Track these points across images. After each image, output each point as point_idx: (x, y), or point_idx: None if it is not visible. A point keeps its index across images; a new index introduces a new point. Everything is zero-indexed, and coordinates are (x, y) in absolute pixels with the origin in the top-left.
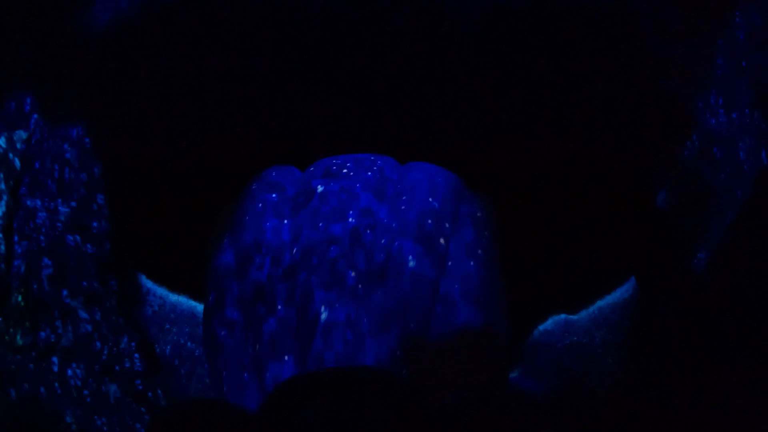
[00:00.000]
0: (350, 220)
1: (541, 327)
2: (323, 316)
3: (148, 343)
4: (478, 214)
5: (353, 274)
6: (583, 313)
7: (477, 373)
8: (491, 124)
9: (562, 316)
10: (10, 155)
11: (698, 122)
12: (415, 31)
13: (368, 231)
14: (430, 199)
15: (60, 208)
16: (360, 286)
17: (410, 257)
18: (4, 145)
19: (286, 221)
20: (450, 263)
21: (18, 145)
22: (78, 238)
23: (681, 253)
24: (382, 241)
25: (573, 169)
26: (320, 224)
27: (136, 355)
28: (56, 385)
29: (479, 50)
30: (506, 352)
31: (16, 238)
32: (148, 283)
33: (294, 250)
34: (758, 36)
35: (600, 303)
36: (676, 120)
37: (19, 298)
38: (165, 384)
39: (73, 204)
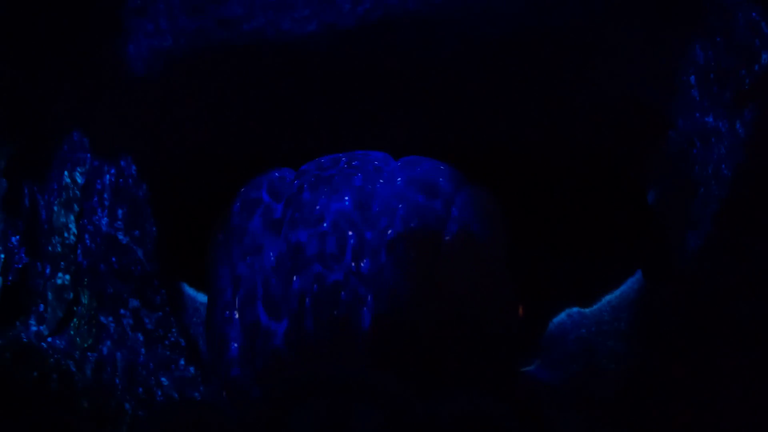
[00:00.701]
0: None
1: (556, 320)
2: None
3: (191, 342)
4: (483, 195)
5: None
6: (595, 305)
7: (485, 358)
8: (492, 127)
9: (575, 308)
10: (79, 184)
11: (676, 123)
12: (415, 48)
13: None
14: (429, 173)
15: (116, 224)
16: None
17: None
18: (79, 179)
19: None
20: (456, 212)
21: (80, 176)
22: (137, 251)
23: (674, 245)
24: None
25: (570, 168)
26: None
27: (183, 347)
28: (112, 372)
29: (480, 64)
30: (515, 338)
31: (80, 253)
32: (190, 291)
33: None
34: (721, 44)
35: (610, 295)
36: (654, 121)
37: (86, 298)
38: (205, 378)
39: (126, 222)
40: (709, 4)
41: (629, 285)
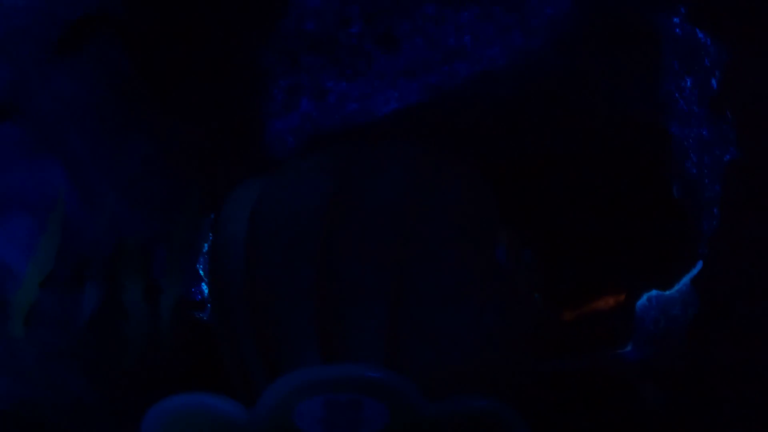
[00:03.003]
0: None
1: (639, 303)
2: None
3: None
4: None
5: None
6: (673, 288)
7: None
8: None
9: (654, 292)
10: None
11: (671, 133)
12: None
13: None
14: None
15: None
16: None
17: None
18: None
19: None
20: None
21: None
22: None
23: (694, 241)
24: None
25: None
26: None
27: None
28: None
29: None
30: (528, 337)
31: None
32: None
33: None
34: (684, 61)
35: (686, 277)
36: (652, 135)
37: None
38: None
39: None
40: (658, 30)
41: (698, 267)
